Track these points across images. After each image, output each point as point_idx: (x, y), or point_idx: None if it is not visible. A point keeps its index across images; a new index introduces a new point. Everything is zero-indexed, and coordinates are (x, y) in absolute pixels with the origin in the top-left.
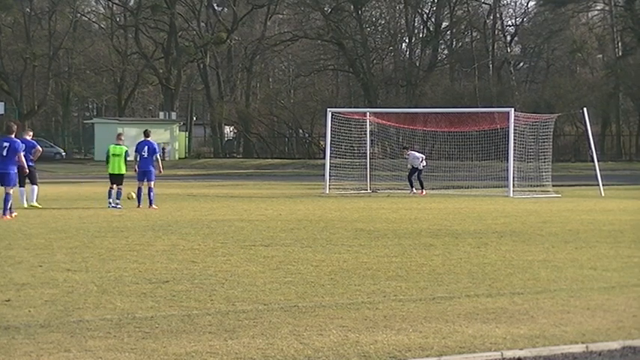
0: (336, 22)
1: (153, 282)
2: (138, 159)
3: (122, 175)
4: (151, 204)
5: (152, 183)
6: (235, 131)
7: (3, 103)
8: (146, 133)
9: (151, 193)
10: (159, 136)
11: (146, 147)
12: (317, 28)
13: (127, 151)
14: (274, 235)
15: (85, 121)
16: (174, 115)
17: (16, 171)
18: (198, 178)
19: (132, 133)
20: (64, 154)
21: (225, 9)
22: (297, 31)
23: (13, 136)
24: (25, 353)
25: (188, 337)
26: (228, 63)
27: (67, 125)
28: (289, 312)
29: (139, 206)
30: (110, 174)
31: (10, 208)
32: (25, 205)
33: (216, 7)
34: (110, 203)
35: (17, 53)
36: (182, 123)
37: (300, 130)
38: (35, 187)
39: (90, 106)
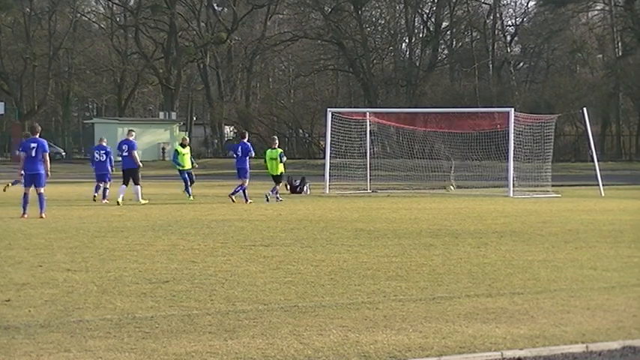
0: (336, 22)
1: (153, 282)
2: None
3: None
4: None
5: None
6: (235, 131)
7: (3, 103)
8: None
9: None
10: (159, 136)
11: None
12: (317, 28)
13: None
14: (274, 235)
15: (85, 121)
16: (174, 115)
17: (44, 171)
18: (197, 177)
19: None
20: (64, 154)
21: (225, 9)
22: (297, 31)
23: (37, 136)
24: (25, 353)
25: (188, 337)
26: (228, 63)
27: (67, 125)
28: (289, 312)
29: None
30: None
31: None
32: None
33: (216, 7)
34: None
35: (17, 53)
36: (182, 123)
37: (300, 130)
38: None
39: (90, 106)
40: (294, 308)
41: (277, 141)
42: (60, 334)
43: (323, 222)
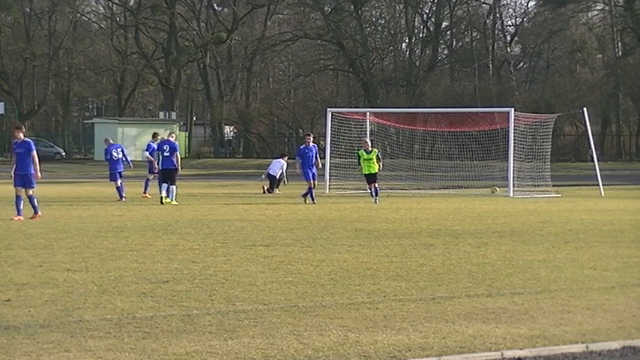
0: (336, 22)
1: (153, 282)
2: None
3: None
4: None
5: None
6: (235, 131)
7: (3, 103)
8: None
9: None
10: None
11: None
12: (317, 28)
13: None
14: (274, 235)
15: (85, 121)
16: (174, 115)
17: (34, 171)
18: (198, 178)
19: (132, 133)
20: (63, 154)
21: (225, 9)
22: (297, 31)
23: (22, 136)
24: (25, 353)
25: (188, 336)
26: (228, 63)
27: (67, 125)
28: (289, 312)
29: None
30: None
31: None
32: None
33: (216, 7)
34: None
35: (17, 53)
36: (182, 123)
37: (301, 130)
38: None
39: (90, 106)
40: (294, 308)
41: (370, 143)
42: (60, 334)
43: (323, 222)
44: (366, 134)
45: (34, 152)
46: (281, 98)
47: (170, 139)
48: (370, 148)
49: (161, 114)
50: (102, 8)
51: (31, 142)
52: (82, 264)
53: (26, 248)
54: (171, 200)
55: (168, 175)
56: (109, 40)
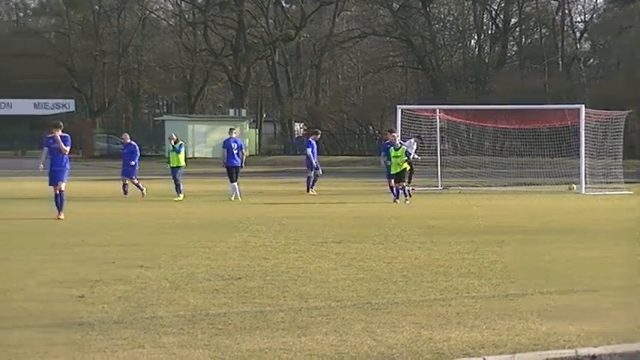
0: (404, 19)
1: (225, 279)
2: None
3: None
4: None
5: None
6: (305, 128)
7: (74, 101)
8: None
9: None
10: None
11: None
12: (385, 24)
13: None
14: (346, 232)
15: (155, 118)
16: (244, 112)
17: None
18: (267, 175)
19: (202, 130)
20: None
21: (294, 6)
22: (365, 28)
23: (60, 131)
24: (99, 349)
25: (261, 333)
26: (297, 60)
27: (137, 122)
28: (362, 309)
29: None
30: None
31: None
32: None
33: (284, 4)
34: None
35: (87, 50)
36: (252, 120)
37: (370, 127)
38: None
39: (160, 103)
40: (366, 305)
41: (399, 138)
42: (133, 330)
43: (394, 219)
44: (436, 131)
45: (67, 148)
46: (350, 95)
47: (234, 136)
48: (399, 144)
49: (231, 111)
50: (170, 5)
51: (68, 137)
52: (155, 261)
53: (99, 245)
54: (233, 197)
55: (236, 172)
56: (178, 37)
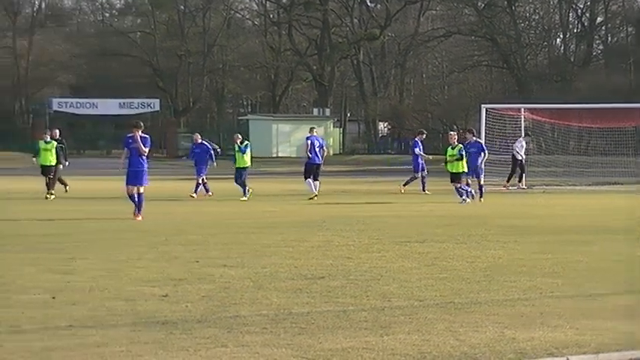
0: (489, 18)
1: (308, 278)
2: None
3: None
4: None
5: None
6: (389, 127)
7: (159, 100)
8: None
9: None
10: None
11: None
12: (470, 23)
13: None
14: (428, 232)
15: (239, 118)
16: (328, 112)
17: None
18: (351, 174)
19: (285, 130)
20: (219, 150)
21: (378, 5)
22: (450, 27)
23: (140, 132)
24: (182, 348)
25: (344, 332)
26: (382, 59)
27: (222, 122)
28: (445, 308)
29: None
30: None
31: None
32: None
33: (369, 3)
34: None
35: (172, 50)
36: (336, 119)
37: (454, 126)
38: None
39: (244, 103)
40: (449, 304)
41: (456, 137)
42: (216, 329)
43: (477, 218)
44: (520, 130)
45: (147, 148)
46: (434, 94)
47: (315, 134)
48: (455, 143)
49: (315, 110)
50: (255, 5)
51: (148, 138)
52: (238, 260)
53: (182, 244)
54: (315, 191)
55: (317, 170)
56: (263, 36)
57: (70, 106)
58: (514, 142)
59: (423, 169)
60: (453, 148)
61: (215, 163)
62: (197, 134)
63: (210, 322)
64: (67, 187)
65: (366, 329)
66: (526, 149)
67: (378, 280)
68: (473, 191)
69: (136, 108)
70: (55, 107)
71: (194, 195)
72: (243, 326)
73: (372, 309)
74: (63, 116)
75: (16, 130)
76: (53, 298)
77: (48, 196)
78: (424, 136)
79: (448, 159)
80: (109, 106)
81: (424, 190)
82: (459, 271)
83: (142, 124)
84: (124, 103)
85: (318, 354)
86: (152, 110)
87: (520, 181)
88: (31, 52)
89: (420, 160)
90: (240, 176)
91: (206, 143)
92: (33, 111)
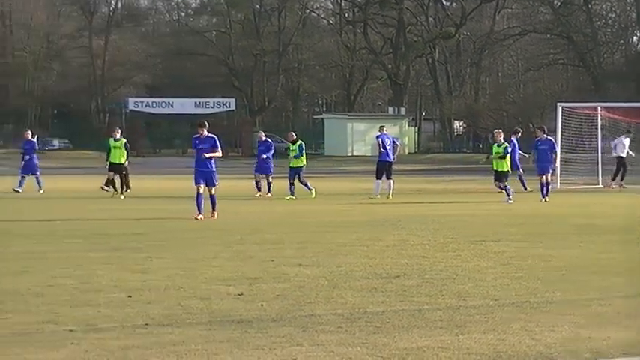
0: (565, 16)
1: (383, 277)
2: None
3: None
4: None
5: None
6: (464, 126)
7: (234, 99)
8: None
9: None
10: (388, 130)
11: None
12: (546, 22)
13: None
14: (503, 231)
15: (314, 117)
16: (403, 111)
17: (215, 169)
18: (426, 173)
19: (361, 129)
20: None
21: (454, 3)
22: (525, 26)
23: (205, 131)
24: (257, 347)
25: (419, 331)
26: (457, 58)
27: (297, 120)
28: (520, 307)
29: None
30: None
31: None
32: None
33: (444, 2)
34: None
35: (247, 50)
36: (411, 118)
37: (530, 125)
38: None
39: (319, 102)
40: (524, 304)
41: (502, 135)
42: (291, 327)
43: (552, 217)
44: (596, 129)
45: (219, 150)
46: (510, 93)
47: (385, 132)
48: (501, 141)
49: (390, 109)
50: (330, 4)
51: (216, 138)
52: (313, 259)
53: (257, 243)
54: (388, 195)
55: (389, 169)
56: (338, 35)
57: (146, 106)
58: (614, 141)
59: (518, 168)
60: (498, 146)
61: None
62: (261, 132)
63: (285, 320)
64: (115, 191)
65: (441, 328)
66: (604, 147)
67: (454, 279)
68: (512, 190)
69: (212, 107)
70: (130, 107)
71: (267, 195)
72: (318, 325)
73: (447, 308)
74: (139, 116)
75: (92, 130)
76: (129, 296)
77: (122, 194)
78: (519, 135)
79: (493, 157)
80: (184, 106)
81: (525, 189)
82: (534, 270)
83: (206, 122)
84: (199, 103)
85: (393, 353)
86: (227, 109)
87: (614, 179)
88: (107, 51)
89: (516, 159)
90: (296, 176)
91: (270, 141)
92: (109, 110)
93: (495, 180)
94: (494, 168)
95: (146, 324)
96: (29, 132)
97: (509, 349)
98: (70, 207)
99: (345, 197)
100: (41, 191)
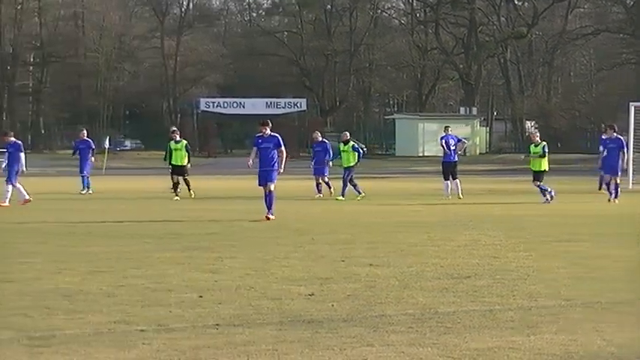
0: (638, 16)
1: (454, 277)
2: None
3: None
4: None
5: None
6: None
7: (305, 100)
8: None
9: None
10: (460, 131)
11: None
12: (618, 21)
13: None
14: (575, 231)
15: (385, 117)
16: (474, 111)
17: (277, 167)
18: (497, 173)
19: (432, 129)
20: (365, 149)
21: (526, 3)
22: (598, 25)
23: (267, 131)
24: (328, 347)
25: (490, 332)
26: (529, 57)
27: (368, 121)
28: (591, 308)
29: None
30: None
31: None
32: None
33: (516, 2)
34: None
35: (318, 50)
36: (483, 118)
37: (602, 125)
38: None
39: (390, 102)
40: (596, 304)
41: (538, 134)
42: (362, 328)
43: (622, 217)
44: None
45: (282, 148)
46: (582, 92)
47: (450, 132)
48: (538, 141)
49: (461, 109)
50: (402, 4)
51: (279, 137)
52: (384, 259)
53: (328, 243)
54: (449, 196)
55: (454, 169)
56: (409, 35)
57: (218, 106)
58: None
59: (601, 168)
60: (536, 146)
61: (331, 163)
62: (317, 132)
63: (355, 321)
64: (177, 193)
65: (512, 329)
66: None
67: (525, 280)
68: (553, 192)
69: (283, 107)
70: (202, 107)
71: (329, 193)
72: (388, 325)
73: (518, 308)
74: (210, 116)
75: (164, 131)
76: (200, 296)
77: (191, 193)
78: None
79: (531, 156)
80: (256, 106)
81: (600, 189)
82: (605, 271)
83: (269, 121)
84: (270, 103)
85: (463, 353)
86: (299, 110)
87: None
88: (179, 52)
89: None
90: (349, 175)
91: (327, 142)
92: (181, 111)
93: (534, 179)
94: (532, 167)
95: (217, 324)
96: (84, 131)
97: (580, 349)
98: (141, 207)
99: (416, 197)
100: (84, 191)
